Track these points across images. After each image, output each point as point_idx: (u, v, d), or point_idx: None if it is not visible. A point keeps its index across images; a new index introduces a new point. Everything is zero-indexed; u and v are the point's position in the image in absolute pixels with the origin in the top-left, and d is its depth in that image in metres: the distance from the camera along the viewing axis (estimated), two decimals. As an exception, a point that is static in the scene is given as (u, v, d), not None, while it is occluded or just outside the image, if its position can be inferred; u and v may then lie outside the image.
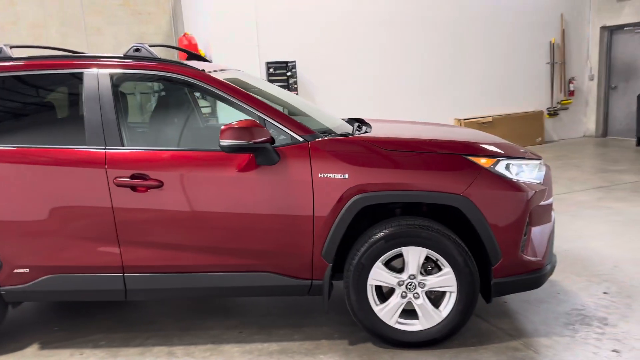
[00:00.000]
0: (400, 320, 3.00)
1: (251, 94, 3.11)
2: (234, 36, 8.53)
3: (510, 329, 3.19)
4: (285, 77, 8.75)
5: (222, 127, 2.79)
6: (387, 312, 2.98)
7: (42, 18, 9.86)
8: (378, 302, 2.99)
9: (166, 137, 3.49)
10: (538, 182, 3.05)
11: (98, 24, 10.21)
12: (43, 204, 2.99)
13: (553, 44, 11.07)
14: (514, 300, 3.56)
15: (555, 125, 11.43)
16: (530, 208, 2.94)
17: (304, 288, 3.05)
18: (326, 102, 8.48)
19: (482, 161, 2.92)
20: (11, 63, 3.15)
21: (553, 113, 11.32)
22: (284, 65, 8.74)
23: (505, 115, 10.59)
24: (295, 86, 8.75)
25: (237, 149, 2.82)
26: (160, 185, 2.93)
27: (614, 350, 2.89)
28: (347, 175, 2.87)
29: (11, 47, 3.26)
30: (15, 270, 3.06)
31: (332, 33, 9.13)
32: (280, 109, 3.21)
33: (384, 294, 3.03)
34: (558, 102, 11.38)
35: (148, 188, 2.94)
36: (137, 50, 3.18)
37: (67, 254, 3.03)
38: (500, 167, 2.93)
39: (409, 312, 3.01)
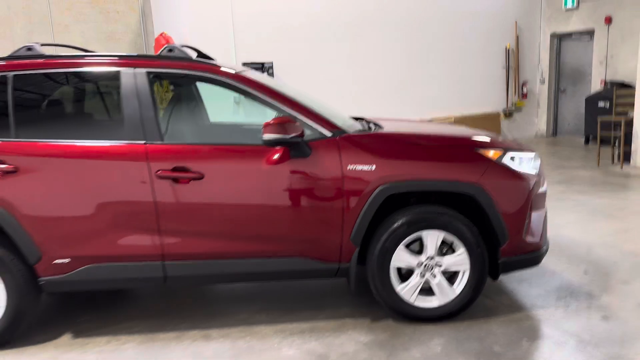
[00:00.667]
0: (420, 297, 3.33)
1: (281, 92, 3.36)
2: (210, 36, 8.66)
3: (511, 304, 3.59)
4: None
5: (264, 123, 3.03)
6: (408, 291, 3.31)
7: (7, 15, 9.62)
8: (399, 282, 3.31)
9: (200, 132, 3.68)
10: (535, 172, 3.46)
11: (65, 21, 10.06)
12: (85, 197, 3.12)
13: (508, 49, 11.81)
14: (508, 280, 3.97)
15: (510, 126, 12.18)
16: (532, 195, 3.34)
17: (332, 271, 3.33)
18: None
19: (491, 154, 3.30)
20: (48, 61, 3.26)
21: (508, 114, 12.07)
22: (261, 66, 8.95)
23: (465, 115, 11.20)
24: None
25: (276, 143, 3.07)
26: (201, 177, 3.13)
27: (604, 317, 3.34)
28: (374, 167, 3.17)
29: (41, 44, 3.37)
30: (56, 261, 3.17)
31: (306, 34, 9.42)
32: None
33: (403, 275, 3.35)
34: (513, 104, 12.14)
35: (189, 180, 3.13)
36: (170, 50, 3.37)
37: (107, 244, 3.17)
38: (506, 159, 3.32)
39: (426, 290, 3.35)
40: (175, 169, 3.13)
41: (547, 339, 3.12)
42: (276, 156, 3.14)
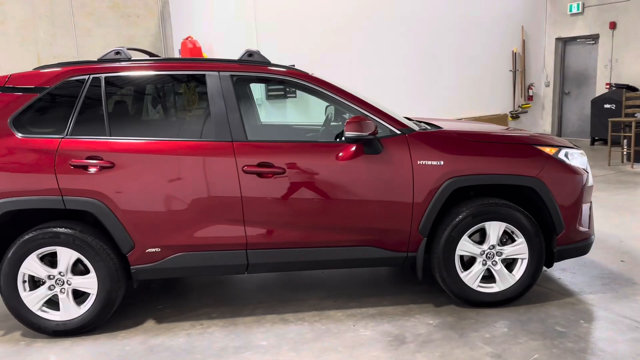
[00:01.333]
0: (481, 284, 3.60)
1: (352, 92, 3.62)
2: (234, 40, 8.88)
3: (560, 290, 3.87)
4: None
5: (346, 122, 3.29)
6: (471, 278, 3.57)
7: (31, 18, 9.80)
8: (462, 270, 3.57)
9: (277, 131, 3.93)
10: (583, 167, 3.75)
11: (88, 25, 10.27)
12: (175, 190, 3.36)
13: (515, 53, 12.16)
14: (552, 270, 4.25)
15: (517, 127, 12.51)
16: (584, 188, 3.63)
17: (399, 259, 3.58)
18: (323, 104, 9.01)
19: (548, 150, 3.58)
20: (137, 64, 3.49)
21: (515, 116, 12.41)
22: (282, 68, 9.17)
23: (474, 117, 11.51)
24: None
25: (356, 140, 3.33)
26: (283, 172, 3.38)
27: (650, 301, 3.64)
28: (442, 162, 3.44)
29: (128, 49, 3.60)
30: (148, 250, 3.40)
31: (329, 38, 9.67)
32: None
33: (465, 263, 3.61)
34: (519, 106, 12.49)
35: (272, 175, 3.38)
36: (250, 55, 3.61)
37: (196, 234, 3.40)
38: (562, 155, 3.61)
39: (486, 277, 3.62)
40: (260, 165, 3.37)
41: (602, 320, 3.40)
42: (352, 152, 3.40)
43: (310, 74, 3.62)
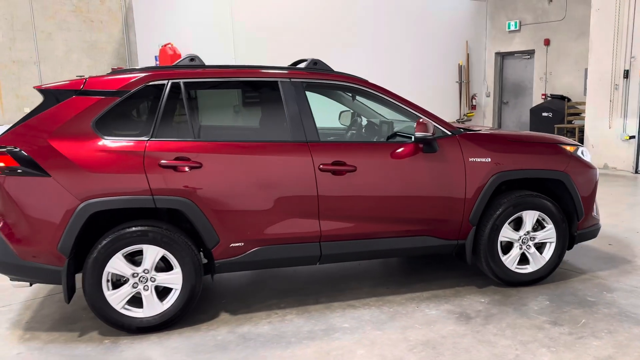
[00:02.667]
0: (517, 266, 4.12)
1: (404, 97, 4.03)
2: (211, 48, 9.02)
3: (574, 270, 4.49)
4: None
5: (417, 123, 3.69)
6: (510, 261, 4.08)
7: (-11, 20, 9.34)
8: (502, 254, 4.08)
9: (347, 132, 4.26)
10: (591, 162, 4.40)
11: (49, 29, 9.95)
12: (257, 187, 3.58)
13: (461, 66, 13.17)
14: (558, 253, 4.87)
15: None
16: (597, 180, 4.28)
17: (451, 247, 4.03)
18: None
19: (569, 148, 4.19)
20: (215, 70, 3.70)
21: (461, 123, 13.40)
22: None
23: (428, 125, 12.31)
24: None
25: (423, 140, 3.75)
26: (354, 169, 3.72)
27: (650, 274, 4.34)
28: (489, 159, 3.93)
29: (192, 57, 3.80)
30: (232, 245, 3.60)
31: (304, 47, 10.02)
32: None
33: (503, 248, 4.11)
34: (464, 114, 13.51)
35: (345, 172, 3.71)
36: (315, 63, 3.93)
37: (276, 228, 3.64)
38: (579, 152, 4.23)
39: (521, 260, 4.15)
40: (334, 163, 3.69)
41: (620, 290, 4.03)
42: (414, 151, 3.82)
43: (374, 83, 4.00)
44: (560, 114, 11.56)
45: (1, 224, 3.38)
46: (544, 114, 11.87)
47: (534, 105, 12.58)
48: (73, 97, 3.47)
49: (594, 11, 9.28)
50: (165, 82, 3.60)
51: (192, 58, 3.75)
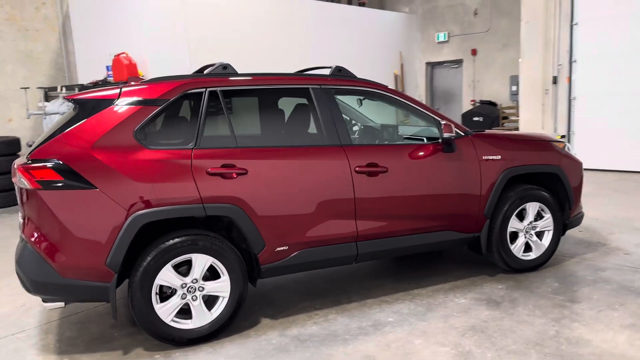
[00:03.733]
0: (523, 253, 4.51)
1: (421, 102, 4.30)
2: (167, 56, 8.83)
3: (562, 254, 4.96)
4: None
5: (444, 125, 3.96)
6: (518, 249, 4.46)
7: None
8: (513, 243, 4.44)
9: (377, 134, 4.41)
10: (575, 157, 4.92)
11: (-20, 38, 9.21)
12: (300, 191, 3.66)
13: (396, 75, 13.81)
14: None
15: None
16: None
17: (468, 239, 4.33)
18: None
19: (559, 146, 4.66)
20: (250, 78, 3.75)
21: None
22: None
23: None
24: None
25: (448, 140, 4.02)
26: (386, 170, 3.91)
27: (625, 253, 4.90)
28: (499, 157, 4.29)
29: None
30: (277, 249, 3.64)
31: (256, 54, 10.06)
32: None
33: (510, 238, 4.49)
34: (401, 121, 14.13)
35: (378, 173, 3.89)
36: (340, 70, 4.08)
37: (317, 230, 3.73)
38: (567, 148, 4.72)
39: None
40: (368, 165, 3.86)
41: (611, 269, 4.54)
42: (437, 151, 4.09)
43: (387, 86, 4.22)
44: (489, 118, 12.50)
45: (40, 242, 3.19)
46: (475, 119, 12.76)
47: (464, 110, 13.47)
48: (110, 107, 3.37)
49: (524, 23, 10.19)
50: (202, 90, 3.59)
51: (225, 66, 3.76)
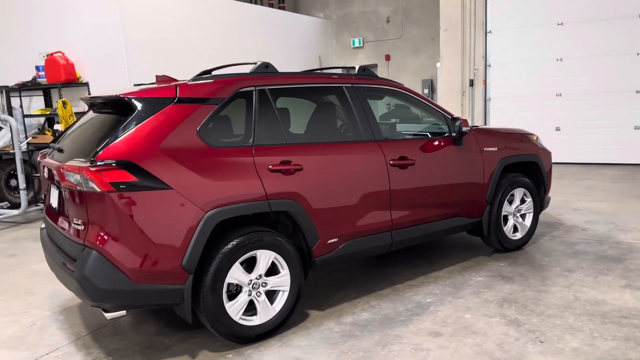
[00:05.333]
0: (512, 234, 5.07)
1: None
2: (103, 58, 8.39)
3: (540, 235, 5.63)
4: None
5: (462, 120, 4.36)
6: (508, 231, 5.01)
7: None
8: (504, 225, 4.99)
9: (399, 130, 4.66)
10: (541, 148, 5.62)
11: None
12: (348, 184, 3.84)
13: (316, 78, 14.20)
14: (509, 224, 6.01)
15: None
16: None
17: (473, 224, 4.78)
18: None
19: (534, 138, 5.31)
20: (295, 76, 3.87)
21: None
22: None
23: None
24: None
25: (465, 133, 4.44)
26: (413, 163, 4.22)
27: (582, 229, 5.70)
28: (496, 148, 4.80)
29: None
30: (329, 241, 3.78)
31: (192, 57, 9.83)
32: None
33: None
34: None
35: (408, 166, 4.19)
36: (364, 70, 4.32)
37: (361, 221, 3.94)
38: (539, 140, 5.38)
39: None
40: (400, 158, 4.14)
41: (581, 243, 5.26)
42: (452, 143, 4.50)
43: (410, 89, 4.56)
44: (405, 119, 13.38)
45: (111, 247, 3.03)
46: (393, 120, 13.55)
47: (381, 113, 14.22)
48: (170, 106, 3.30)
49: (443, 31, 11.11)
50: (252, 88, 3.63)
51: (267, 65, 3.83)
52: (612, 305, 3.79)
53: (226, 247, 3.31)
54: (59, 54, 7.76)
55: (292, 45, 13.15)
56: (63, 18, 8.26)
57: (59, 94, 7.66)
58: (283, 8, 13.87)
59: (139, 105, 3.24)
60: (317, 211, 3.68)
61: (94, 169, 2.97)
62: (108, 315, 3.19)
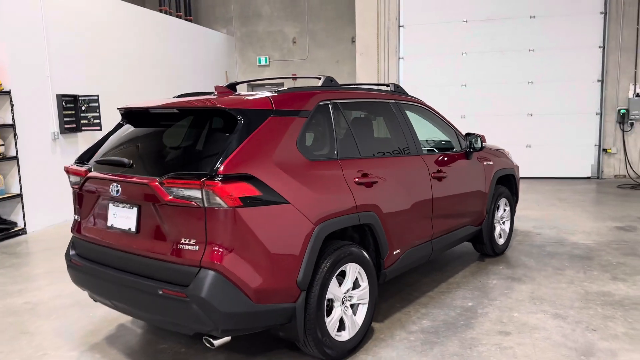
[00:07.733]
0: (499, 240, 5.61)
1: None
2: (22, 66, 7.47)
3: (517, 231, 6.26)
4: (74, 112, 8.20)
5: (481, 136, 4.75)
6: (497, 237, 5.55)
7: None
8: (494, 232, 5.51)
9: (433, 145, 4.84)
10: (503, 163, 6.30)
11: None
12: (409, 196, 4.02)
13: (222, 94, 13.95)
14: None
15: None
16: (518, 173, 6.20)
17: (477, 232, 5.21)
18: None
19: (506, 153, 5.96)
20: (355, 92, 3.96)
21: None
22: (72, 98, 8.18)
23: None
24: (97, 121, 8.37)
25: (482, 149, 4.85)
26: (446, 175, 4.52)
27: (538, 234, 6.49)
28: (492, 162, 5.31)
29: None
30: (395, 252, 3.88)
31: (114, 69, 9.09)
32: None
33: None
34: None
35: (442, 178, 4.47)
36: (396, 87, 4.52)
37: (415, 232, 4.12)
38: (510, 156, 6.05)
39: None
40: (437, 172, 4.41)
41: (547, 245, 5.97)
42: (469, 157, 4.89)
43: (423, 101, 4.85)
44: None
45: (236, 267, 2.82)
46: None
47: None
48: (271, 118, 3.18)
49: (359, 55, 11.72)
50: (328, 102, 3.63)
51: (331, 79, 3.85)
52: (619, 296, 4.42)
53: (327, 262, 3.26)
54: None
55: (199, 59, 12.79)
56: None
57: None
58: (190, 21, 13.44)
59: (243, 117, 3.08)
60: (387, 223, 3.77)
61: (221, 183, 2.76)
62: (216, 343, 2.95)
